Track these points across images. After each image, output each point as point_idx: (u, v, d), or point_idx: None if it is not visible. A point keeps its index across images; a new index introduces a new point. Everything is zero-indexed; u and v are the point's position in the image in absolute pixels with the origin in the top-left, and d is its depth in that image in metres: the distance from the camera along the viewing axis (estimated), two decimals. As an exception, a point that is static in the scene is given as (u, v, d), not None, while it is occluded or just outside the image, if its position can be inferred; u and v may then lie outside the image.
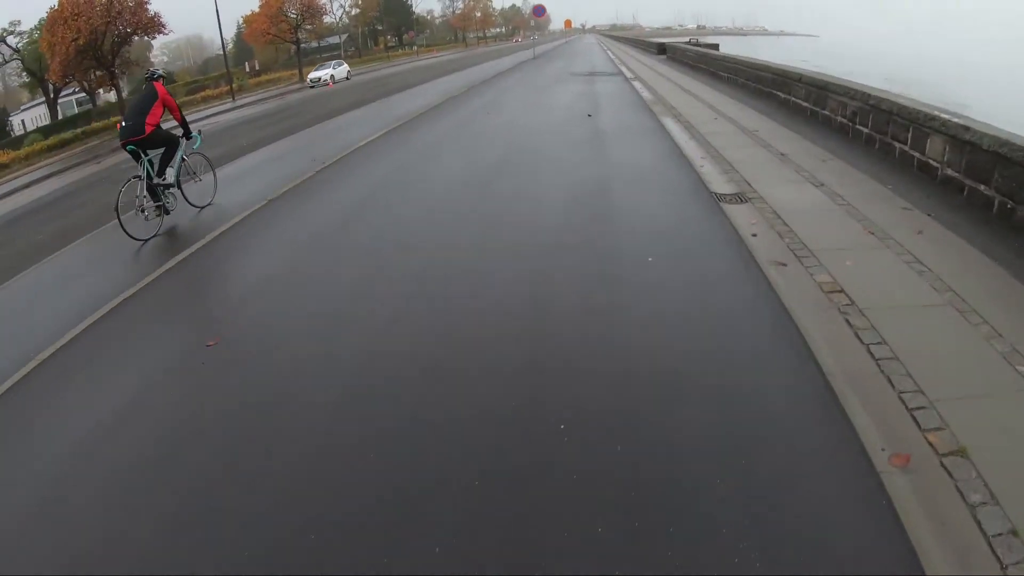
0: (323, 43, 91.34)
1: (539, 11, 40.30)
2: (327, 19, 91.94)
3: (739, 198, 6.82)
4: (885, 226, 5.72)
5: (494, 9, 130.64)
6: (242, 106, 38.89)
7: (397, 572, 2.52)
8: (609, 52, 46.15)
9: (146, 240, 7.72)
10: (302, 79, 57.54)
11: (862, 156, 8.37)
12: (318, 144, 13.55)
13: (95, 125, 41.75)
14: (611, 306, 4.61)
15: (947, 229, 5.61)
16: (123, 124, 8.03)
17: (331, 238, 6.99)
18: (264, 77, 66.02)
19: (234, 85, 57.28)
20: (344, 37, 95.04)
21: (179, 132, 8.76)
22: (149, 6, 39.48)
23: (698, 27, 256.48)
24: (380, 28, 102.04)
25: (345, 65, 46.73)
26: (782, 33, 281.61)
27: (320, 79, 41.97)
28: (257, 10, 58.02)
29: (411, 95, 22.81)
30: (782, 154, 8.70)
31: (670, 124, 11.62)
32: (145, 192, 7.88)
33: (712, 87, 17.16)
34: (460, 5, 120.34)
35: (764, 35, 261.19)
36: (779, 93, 13.36)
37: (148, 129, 7.88)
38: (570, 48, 61.46)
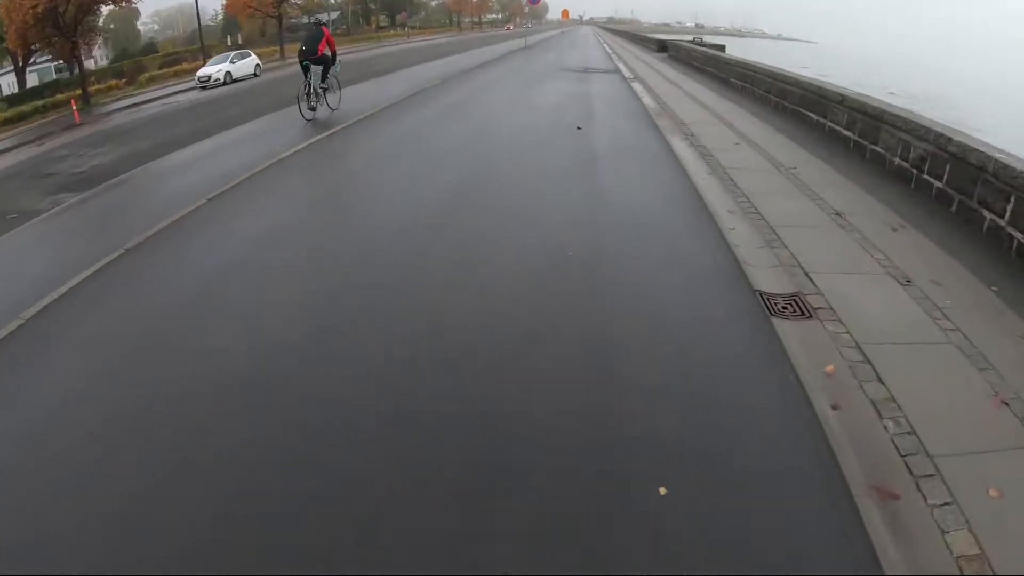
0: (312, 19, 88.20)
1: (533, -2, 37.60)
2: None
3: (798, 305, 4.36)
4: (1019, 384, 3.43)
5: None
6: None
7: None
8: (605, 46, 43.56)
9: (306, 120, 12.88)
10: (283, 56, 54.54)
11: (937, 221, 6.05)
12: (227, 152, 11.10)
13: (59, 97, 38.66)
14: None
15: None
16: (303, 49, 12.94)
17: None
18: (246, 52, 62.81)
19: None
20: (336, 15, 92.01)
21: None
22: None
23: (696, 26, 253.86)
24: (373, 7, 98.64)
25: (252, 57, 35.05)
26: (780, 37, 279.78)
27: (210, 77, 31.10)
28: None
29: (380, 84, 20.17)
30: (837, 213, 6.28)
31: (680, 147, 9.16)
32: (310, 90, 13.00)
33: (725, 97, 14.71)
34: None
35: (763, 38, 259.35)
36: (811, 114, 10.97)
37: (319, 53, 12.75)
38: (565, 39, 58.61)
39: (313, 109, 13.03)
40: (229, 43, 69.37)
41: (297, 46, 15.41)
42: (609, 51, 36.78)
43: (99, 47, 74.81)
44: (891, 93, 48.38)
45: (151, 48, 73.12)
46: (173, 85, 41.75)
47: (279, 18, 56.25)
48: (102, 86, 45.61)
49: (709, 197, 6.70)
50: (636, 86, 17.16)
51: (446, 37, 76.13)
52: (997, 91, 65.06)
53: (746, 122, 11.32)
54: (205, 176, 8.85)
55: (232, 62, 32.58)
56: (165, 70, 51.49)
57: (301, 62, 12.86)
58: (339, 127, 11.91)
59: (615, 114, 12.54)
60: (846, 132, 9.57)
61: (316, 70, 12.85)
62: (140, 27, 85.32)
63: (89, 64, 64.18)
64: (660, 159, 8.53)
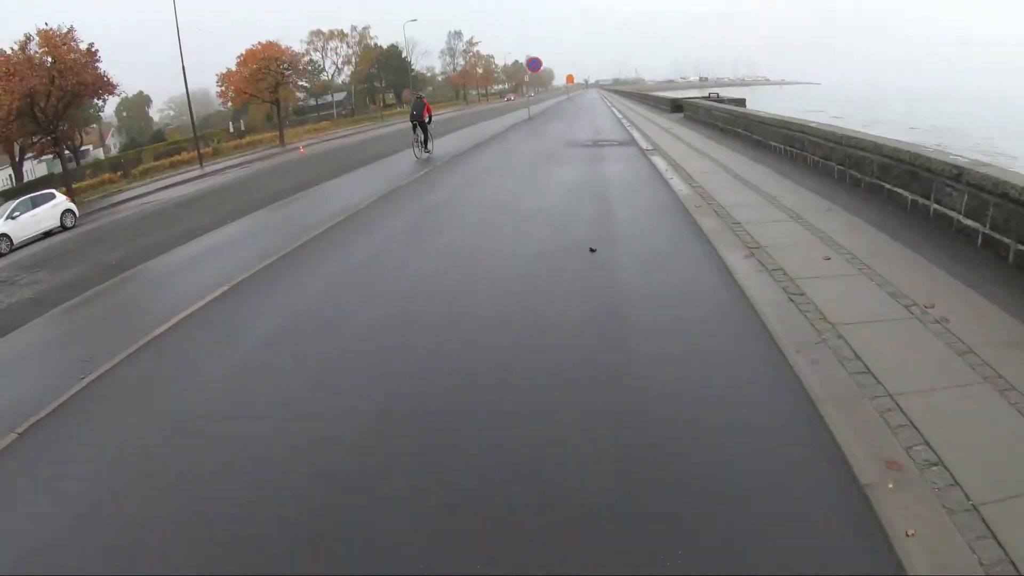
0: (320, 101, 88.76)
1: (534, 65, 35.11)
2: (323, 76, 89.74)
3: None
4: None
5: (496, 66, 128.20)
6: (206, 175, 34.72)
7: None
8: (615, 110, 41.36)
9: (418, 159, 19.42)
10: (282, 143, 53.31)
11: None
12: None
13: None
14: None
15: None
16: (413, 113, 20.45)
17: None
18: (246, 139, 61.92)
19: (211, 147, 53.10)
20: (342, 95, 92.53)
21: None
22: (100, 64, 34.99)
23: (700, 79, 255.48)
24: (379, 85, 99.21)
25: (57, 200, 23.02)
26: (783, 82, 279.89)
27: None
28: (234, 68, 53.47)
29: (349, 181, 17.76)
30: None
31: (747, 274, 6.13)
32: (418, 142, 20.22)
33: (770, 168, 11.80)
34: (461, 62, 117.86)
35: (766, 84, 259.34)
36: (903, 192, 8.04)
37: (423, 118, 20.03)
38: (572, 105, 56.74)
39: (422, 152, 20.06)
40: (231, 130, 68.66)
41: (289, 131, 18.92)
42: (619, 115, 34.44)
43: (112, 135, 75.07)
44: (912, 128, 45.49)
45: (159, 137, 72.52)
46: (166, 178, 40.30)
47: (277, 104, 55.09)
48: (95, 180, 44.14)
49: (852, 445, 3.53)
50: (658, 161, 14.36)
51: (451, 111, 75.00)
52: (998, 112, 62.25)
53: (818, 211, 8.32)
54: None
55: (12, 217, 20.63)
56: (162, 161, 50.34)
57: (411, 122, 20.39)
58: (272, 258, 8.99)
59: (640, 212, 9.49)
60: (969, 222, 6.62)
61: (419, 129, 20.07)
62: (157, 113, 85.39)
63: (98, 153, 63.86)
64: (725, 316, 5.31)
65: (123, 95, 39.40)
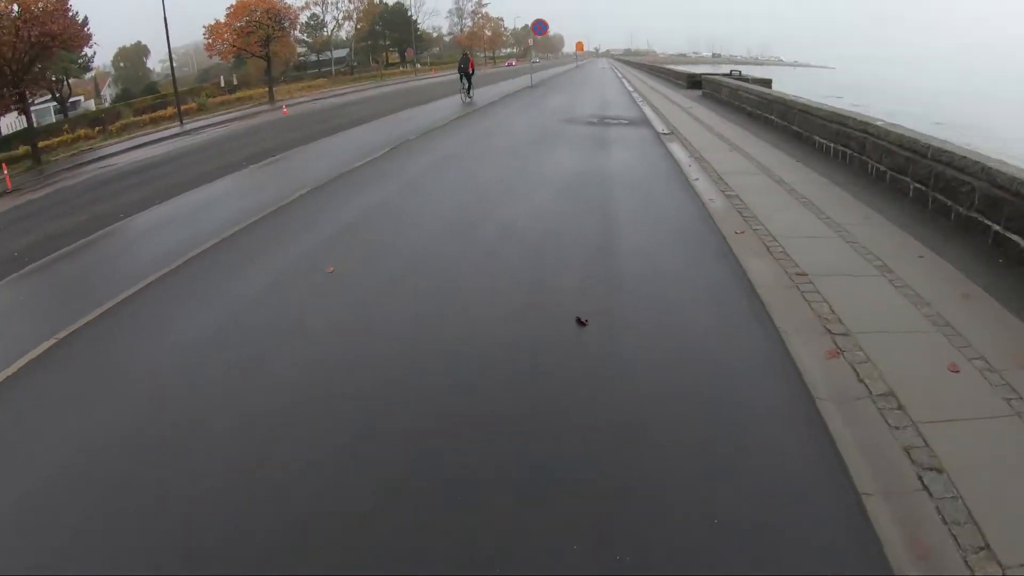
0: (322, 56, 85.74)
1: (539, 27, 31.81)
2: (324, 32, 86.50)
3: None
4: None
5: (505, 29, 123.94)
6: (183, 133, 31.83)
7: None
8: (625, 82, 38.29)
9: (464, 103, 25.52)
10: (272, 100, 50.20)
11: None
12: None
13: (21, 151, 34.02)
14: None
15: None
16: (461, 67, 27.37)
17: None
18: (235, 95, 58.66)
19: (195, 103, 50.05)
20: (345, 52, 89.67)
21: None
22: (76, 14, 31.69)
23: (713, 55, 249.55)
24: (383, 43, 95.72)
25: None
26: (797, 64, 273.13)
27: None
28: (223, 20, 49.97)
29: (259, 177, 13.86)
30: None
31: (839, 408, 3.67)
32: (464, 89, 27.20)
33: (823, 175, 9.22)
34: (469, 23, 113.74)
35: (780, 65, 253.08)
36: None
37: (468, 71, 27.03)
38: (580, 74, 53.43)
39: (467, 98, 26.22)
40: (223, 84, 65.19)
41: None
42: (629, 87, 31.52)
43: (108, 86, 71.86)
44: (937, 123, 42.58)
45: (152, 89, 69.11)
46: (144, 135, 37.45)
47: (267, 59, 51.64)
48: (70, 136, 41.26)
49: None
50: (677, 151, 11.75)
51: (453, 73, 71.63)
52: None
53: (909, 258, 5.81)
54: None
55: None
56: (142, 116, 47.17)
57: (459, 74, 27.13)
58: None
59: (656, 240, 6.77)
60: None
61: (465, 79, 26.64)
62: (159, 64, 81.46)
63: (89, 104, 60.61)
64: (818, 536, 2.76)
65: (95, 46, 35.87)
